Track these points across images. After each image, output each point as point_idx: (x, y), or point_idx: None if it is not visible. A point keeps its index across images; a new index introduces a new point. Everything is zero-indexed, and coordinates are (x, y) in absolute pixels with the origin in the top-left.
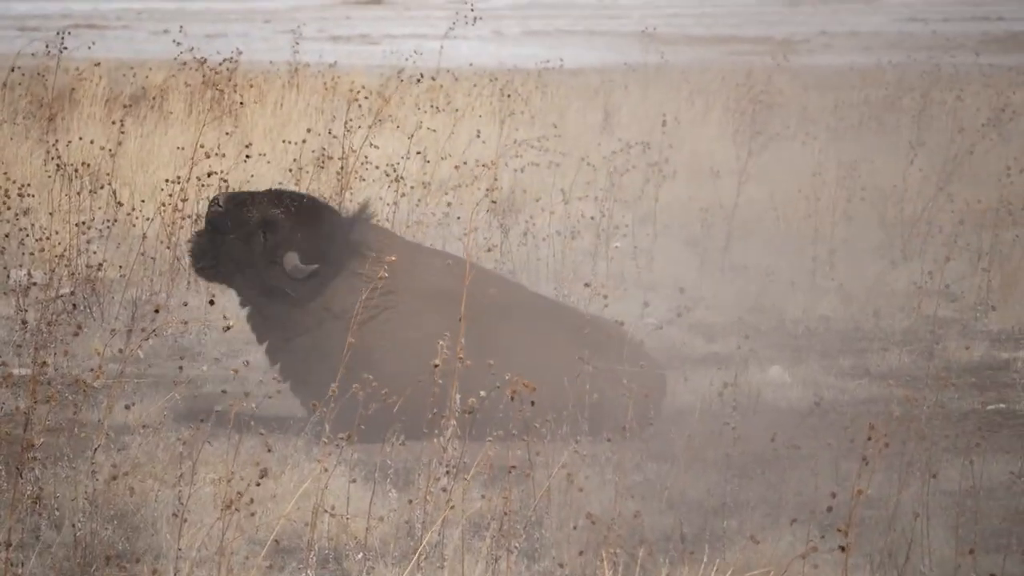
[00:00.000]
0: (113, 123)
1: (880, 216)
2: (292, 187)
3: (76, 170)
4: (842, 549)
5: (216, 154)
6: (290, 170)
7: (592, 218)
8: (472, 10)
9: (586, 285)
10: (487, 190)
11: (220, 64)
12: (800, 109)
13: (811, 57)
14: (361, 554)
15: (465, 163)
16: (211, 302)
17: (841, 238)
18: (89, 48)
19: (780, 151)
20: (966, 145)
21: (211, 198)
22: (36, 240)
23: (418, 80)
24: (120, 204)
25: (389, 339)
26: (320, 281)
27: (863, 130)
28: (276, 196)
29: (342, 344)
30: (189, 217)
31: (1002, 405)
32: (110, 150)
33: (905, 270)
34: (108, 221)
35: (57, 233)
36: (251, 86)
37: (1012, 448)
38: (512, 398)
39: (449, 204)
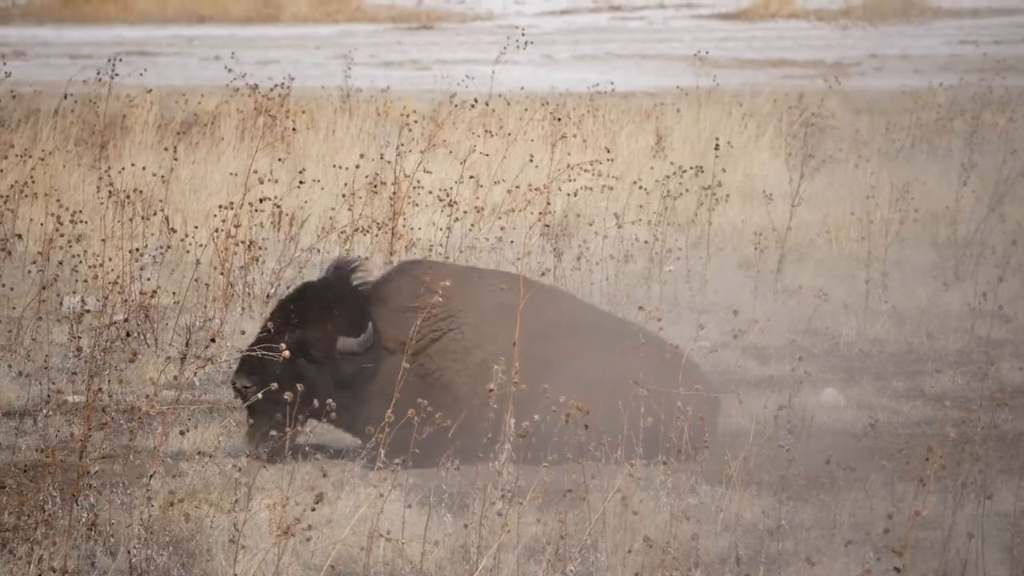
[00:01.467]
0: (165, 150)
1: (933, 238)
2: (282, 297)
3: (128, 197)
4: (897, 571)
5: (269, 180)
6: (343, 195)
7: (645, 242)
8: (523, 35)
9: (640, 308)
10: (540, 214)
11: (272, 90)
12: (852, 132)
13: (862, 80)
14: None
15: (518, 187)
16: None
17: (894, 260)
18: (141, 75)
19: (832, 174)
20: (1018, 167)
21: (230, 381)
22: (89, 267)
23: (472, 105)
24: (173, 231)
25: (456, 359)
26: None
27: (915, 152)
28: (279, 323)
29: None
30: (242, 243)
31: None
32: (162, 177)
33: (958, 291)
34: (161, 248)
35: (110, 260)
36: (303, 112)
37: None
38: (567, 422)
39: (503, 228)
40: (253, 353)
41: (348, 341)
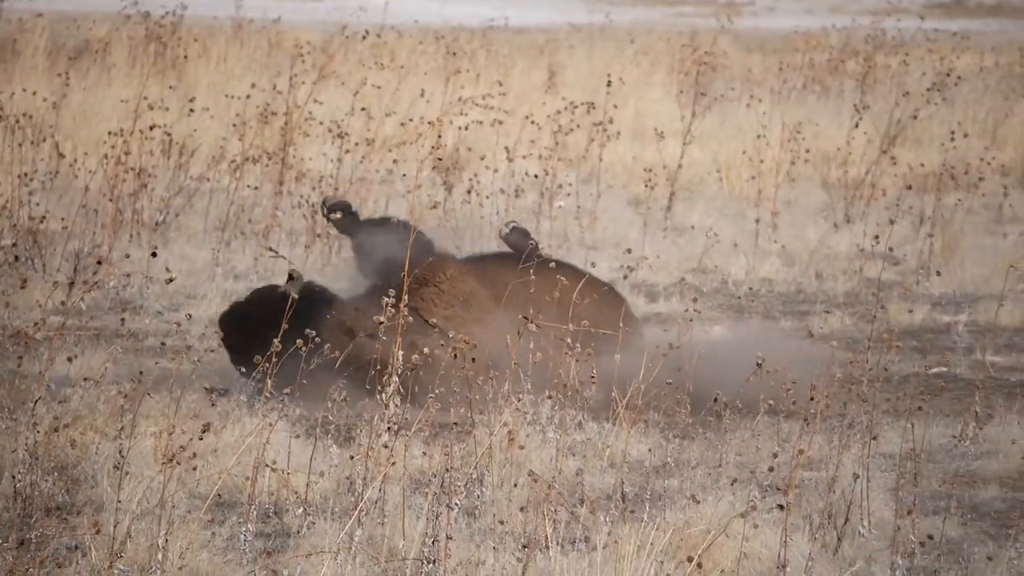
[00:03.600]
0: (57, 75)
1: (823, 179)
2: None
3: (18, 121)
4: (781, 508)
5: (160, 108)
6: (234, 125)
7: (536, 177)
8: None
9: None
10: (432, 148)
11: (163, 17)
12: (744, 72)
13: (755, 20)
14: (301, 509)
15: (411, 120)
16: (153, 254)
17: (784, 200)
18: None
19: (724, 113)
20: (910, 109)
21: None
22: None
23: (363, 37)
24: (63, 156)
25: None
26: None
27: (807, 93)
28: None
29: None
30: (132, 170)
31: (943, 369)
32: (53, 102)
33: (848, 233)
34: (50, 173)
35: None
36: (195, 40)
37: (952, 411)
38: (455, 356)
39: (395, 162)
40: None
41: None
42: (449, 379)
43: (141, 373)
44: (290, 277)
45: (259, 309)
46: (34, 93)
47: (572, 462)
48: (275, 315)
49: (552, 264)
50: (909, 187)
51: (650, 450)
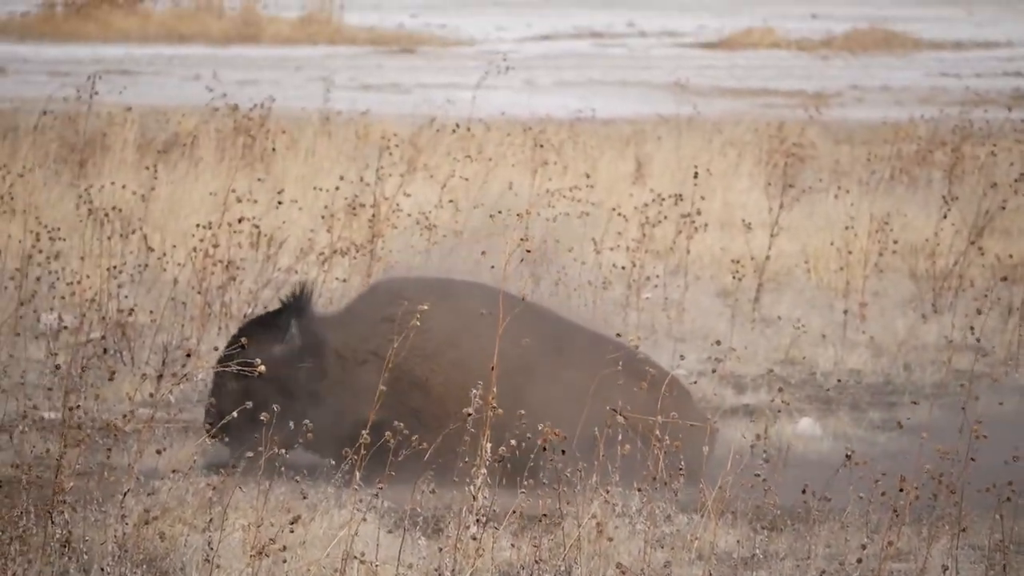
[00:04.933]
0: (146, 168)
1: (912, 269)
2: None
3: (107, 215)
4: None
5: (248, 200)
6: (322, 217)
7: (623, 268)
8: (504, 60)
9: (618, 335)
10: (520, 239)
11: (251, 110)
12: (832, 162)
13: (843, 111)
14: None
15: (500, 212)
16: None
17: (872, 291)
18: (120, 93)
19: (812, 204)
20: (998, 200)
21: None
22: (67, 284)
23: (454, 130)
24: (151, 249)
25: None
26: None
27: (895, 184)
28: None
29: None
30: (220, 262)
31: None
32: (142, 195)
33: (936, 324)
34: (139, 266)
35: (88, 277)
36: (283, 132)
37: None
38: (544, 448)
39: (483, 253)
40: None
41: (278, 347)
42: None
43: (234, 466)
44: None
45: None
46: (123, 186)
47: (660, 554)
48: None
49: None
50: (1005, 278)
51: (739, 542)
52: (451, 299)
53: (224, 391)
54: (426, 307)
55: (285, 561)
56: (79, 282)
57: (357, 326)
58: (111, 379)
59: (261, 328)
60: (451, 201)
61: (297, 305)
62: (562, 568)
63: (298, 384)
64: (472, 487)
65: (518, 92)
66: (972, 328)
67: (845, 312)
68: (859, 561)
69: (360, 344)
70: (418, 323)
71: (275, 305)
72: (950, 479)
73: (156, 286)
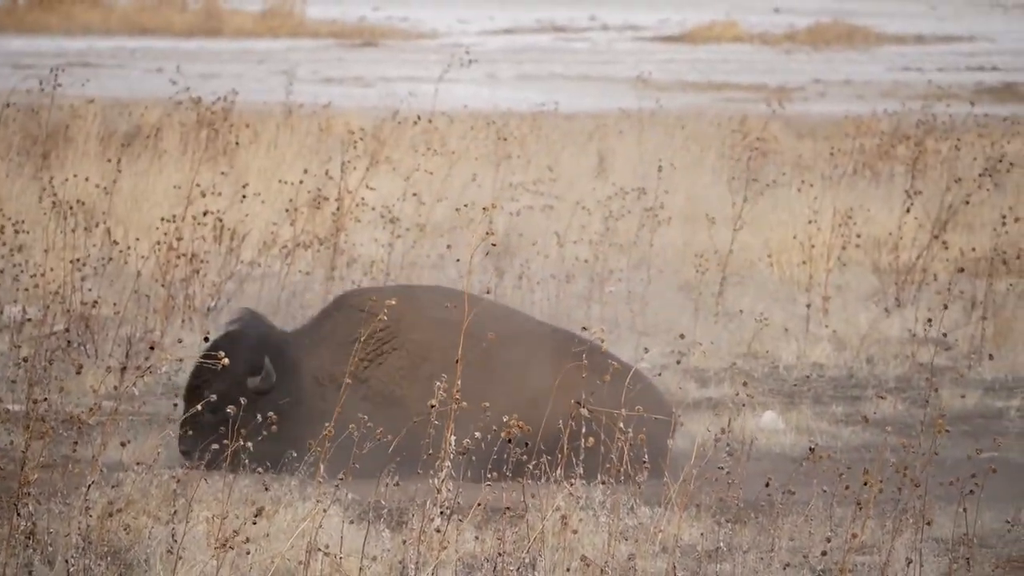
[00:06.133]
0: (108, 161)
1: (875, 263)
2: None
3: (71, 207)
4: None
5: (212, 193)
6: (286, 210)
7: (586, 262)
8: (467, 53)
9: (583, 329)
10: (486, 233)
11: (214, 103)
12: (795, 156)
13: (805, 105)
14: None
15: (466, 206)
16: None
17: (835, 285)
18: (83, 85)
19: (775, 198)
20: (961, 194)
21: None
22: (31, 276)
23: (415, 123)
24: (115, 242)
25: (404, 375)
26: (288, 374)
27: (858, 178)
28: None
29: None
30: (184, 255)
31: (996, 453)
32: (105, 188)
33: (899, 318)
34: (103, 259)
35: (52, 270)
36: (247, 126)
37: (1005, 496)
38: (508, 440)
39: (448, 247)
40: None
41: (253, 380)
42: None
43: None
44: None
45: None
46: (86, 179)
47: (624, 547)
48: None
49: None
50: (961, 270)
51: (702, 534)
52: (416, 308)
53: (199, 421)
54: (388, 322)
55: (249, 553)
56: (43, 274)
57: (329, 348)
58: (78, 373)
59: (229, 353)
60: (415, 194)
61: (264, 340)
62: (526, 560)
63: (278, 416)
64: (436, 479)
65: (481, 85)
66: (930, 321)
67: (808, 306)
68: (823, 554)
69: (334, 368)
70: (388, 338)
71: (228, 319)
72: (914, 473)
73: (120, 279)
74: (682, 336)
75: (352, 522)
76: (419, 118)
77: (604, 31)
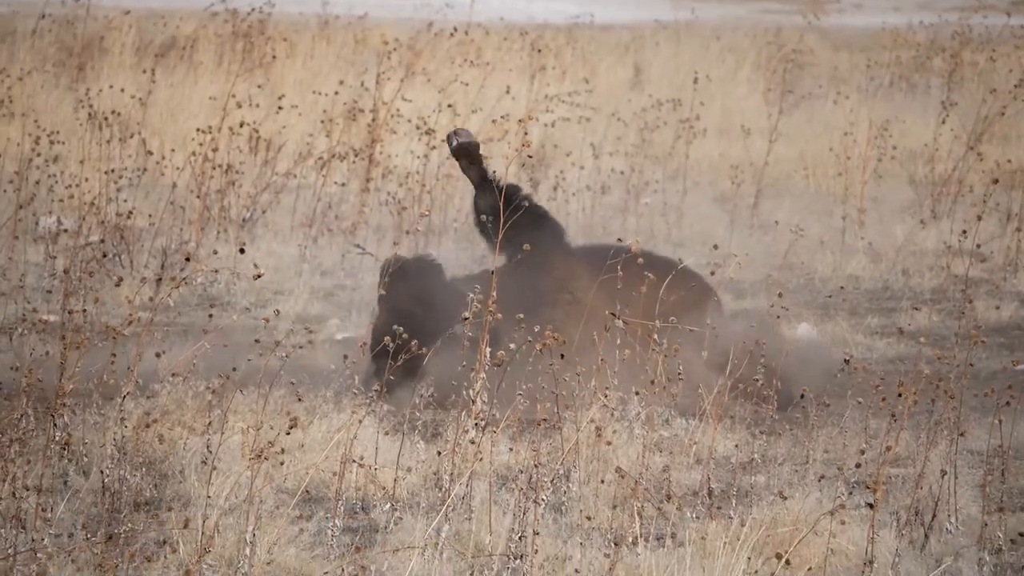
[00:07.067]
0: (144, 72)
1: (910, 175)
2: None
3: (106, 118)
4: (870, 506)
5: (248, 105)
6: (321, 122)
7: (622, 173)
8: None
9: (618, 240)
10: (521, 144)
11: (250, 14)
12: (830, 68)
13: (841, 17)
14: (389, 505)
15: (502, 117)
16: (241, 250)
17: (871, 197)
18: None
19: (811, 110)
20: (997, 106)
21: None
22: (66, 187)
23: (451, 34)
24: (150, 153)
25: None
26: None
27: (894, 90)
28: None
29: None
30: (219, 167)
31: None
32: (140, 99)
33: (934, 230)
34: (138, 170)
35: (87, 181)
36: (283, 39)
37: None
38: (541, 351)
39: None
40: None
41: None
42: (536, 375)
43: (234, 369)
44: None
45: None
46: (122, 90)
47: (659, 458)
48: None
49: (640, 260)
50: (995, 181)
51: (737, 446)
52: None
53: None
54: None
55: (284, 464)
56: (78, 185)
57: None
58: (118, 285)
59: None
60: (450, 106)
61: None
62: (560, 472)
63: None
64: (471, 391)
65: None
66: (964, 232)
67: (843, 218)
68: (858, 466)
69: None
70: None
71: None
72: (948, 384)
73: (155, 190)
74: (716, 247)
75: (387, 434)
76: (455, 30)
77: None
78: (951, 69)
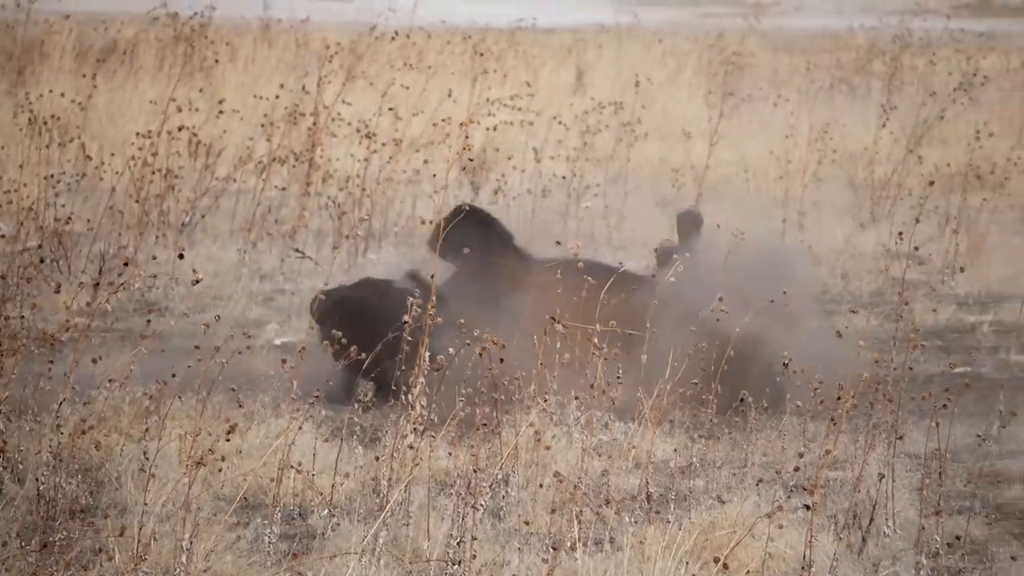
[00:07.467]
0: (84, 76)
1: (850, 178)
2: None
3: (46, 123)
4: (808, 509)
5: (188, 109)
6: (261, 125)
7: (563, 177)
8: None
9: (557, 244)
10: (462, 148)
11: (191, 19)
12: (771, 71)
13: (782, 19)
14: (327, 511)
15: (443, 121)
16: (180, 256)
17: (811, 200)
18: (59, 0)
19: (751, 113)
20: (936, 109)
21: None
22: (4, 192)
23: (393, 38)
24: (89, 158)
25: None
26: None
27: (834, 93)
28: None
29: None
30: (158, 171)
31: (968, 368)
32: (80, 104)
33: (874, 232)
34: (77, 175)
35: (25, 186)
36: (225, 43)
37: (977, 411)
38: (480, 355)
39: (425, 162)
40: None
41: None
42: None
43: (172, 375)
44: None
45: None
46: (62, 95)
47: (598, 463)
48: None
49: (580, 264)
50: (932, 183)
51: (675, 450)
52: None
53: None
54: None
55: (221, 470)
56: (16, 190)
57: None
58: (57, 292)
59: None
60: (391, 109)
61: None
62: (499, 477)
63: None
64: (410, 396)
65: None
66: (901, 235)
67: (784, 221)
68: (796, 470)
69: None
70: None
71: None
72: (887, 388)
73: (94, 195)
74: (655, 250)
75: (326, 440)
76: (397, 33)
77: None
78: (891, 72)
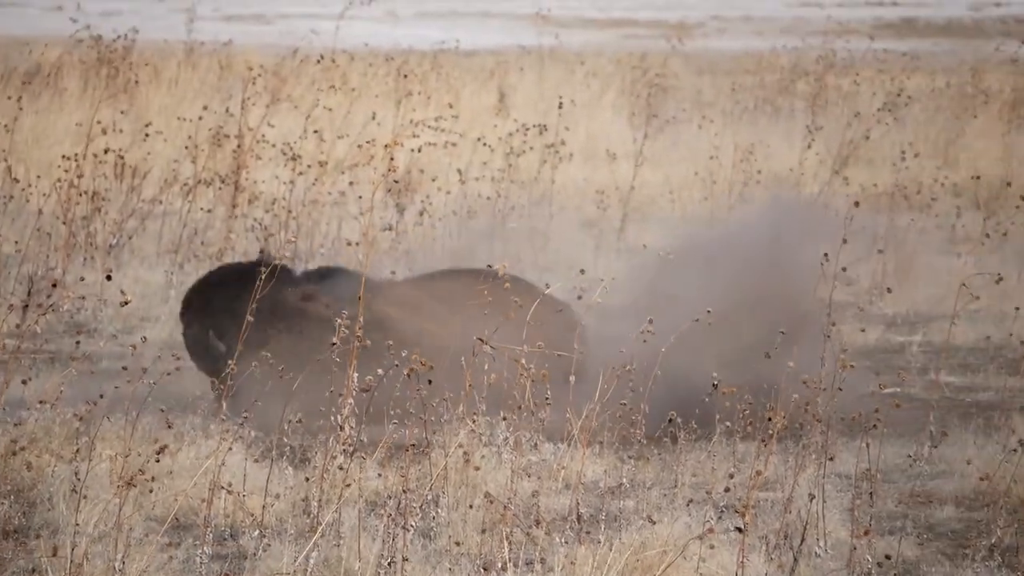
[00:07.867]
0: (8, 99)
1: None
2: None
3: None
4: (739, 530)
5: (113, 131)
6: (186, 148)
7: (488, 198)
8: None
9: (488, 266)
10: (387, 170)
11: (115, 41)
12: (695, 93)
13: (705, 41)
14: (257, 531)
15: (367, 143)
16: (108, 277)
17: (737, 221)
18: None
19: (676, 134)
20: (862, 130)
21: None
22: None
23: (318, 61)
24: (16, 180)
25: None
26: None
27: (758, 114)
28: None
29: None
30: (85, 193)
31: (898, 389)
32: (6, 126)
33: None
34: (4, 197)
35: None
36: (147, 64)
37: (907, 431)
38: (409, 376)
39: (350, 184)
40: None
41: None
42: (404, 400)
43: (101, 396)
44: (261, 254)
45: (221, 283)
46: None
47: (528, 483)
48: (238, 290)
49: (507, 285)
50: (856, 203)
51: (605, 471)
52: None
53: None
54: None
55: (152, 491)
56: None
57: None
58: None
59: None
60: (316, 132)
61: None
62: (429, 497)
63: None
64: (339, 417)
65: (381, 23)
66: (826, 255)
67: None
68: (726, 490)
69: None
70: None
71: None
72: (816, 408)
73: (20, 216)
74: (583, 271)
75: (256, 460)
76: (321, 56)
77: None
78: (815, 93)
